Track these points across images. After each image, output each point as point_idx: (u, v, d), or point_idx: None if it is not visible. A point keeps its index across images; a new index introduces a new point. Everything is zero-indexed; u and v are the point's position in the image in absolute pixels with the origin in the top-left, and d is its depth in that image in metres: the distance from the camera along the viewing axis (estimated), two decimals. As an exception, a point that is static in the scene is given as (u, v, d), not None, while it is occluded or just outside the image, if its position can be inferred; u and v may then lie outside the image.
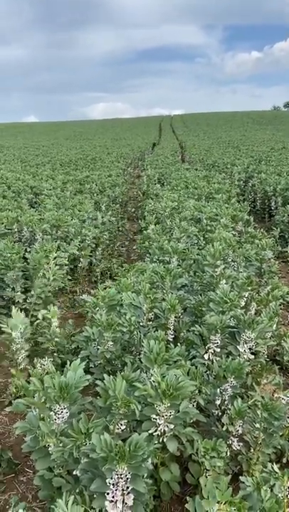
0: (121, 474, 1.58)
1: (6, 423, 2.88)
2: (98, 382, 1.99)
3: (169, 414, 2.00)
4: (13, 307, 3.26)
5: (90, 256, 5.32)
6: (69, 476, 1.85)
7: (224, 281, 3.44)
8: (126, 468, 1.58)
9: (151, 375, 2.18)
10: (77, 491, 1.78)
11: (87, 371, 2.51)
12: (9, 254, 3.92)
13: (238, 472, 2.29)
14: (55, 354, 3.29)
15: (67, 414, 1.86)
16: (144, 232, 5.99)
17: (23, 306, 3.88)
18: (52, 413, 1.85)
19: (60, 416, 1.84)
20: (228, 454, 2.22)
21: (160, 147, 26.91)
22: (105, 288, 3.46)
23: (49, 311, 3.41)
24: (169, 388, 1.95)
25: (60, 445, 1.77)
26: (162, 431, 2.02)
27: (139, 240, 5.82)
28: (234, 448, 2.24)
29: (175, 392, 1.95)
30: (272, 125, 54.93)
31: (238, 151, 20.07)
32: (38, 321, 3.36)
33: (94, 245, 5.43)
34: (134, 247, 6.92)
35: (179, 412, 2.01)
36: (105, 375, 2.02)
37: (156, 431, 2.03)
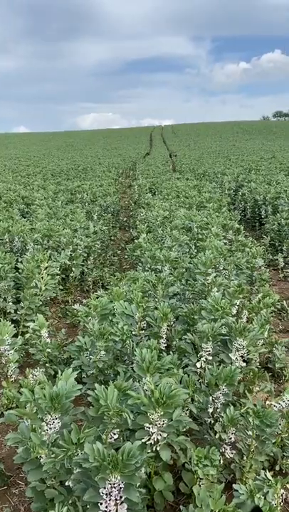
0: (114, 484, 1.58)
1: (-3, 435, 2.85)
2: (89, 392, 1.98)
3: (162, 422, 1.99)
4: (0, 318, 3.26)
5: (82, 265, 5.31)
6: (61, 487, 1.83)
7: (216, 289, 3.46)
8: (119, 478, 1.58)
9: (144, 383, 2.19)
10: (70, 502, 1.76)
11: (79, 381, 2.50)
12: (0, 265, 3.90)
13: (231, 480, 2.29)
14: (47, 365, 3.26)
15: (59, 424, 1.85)
16: (136, 240, 6.01)
17: (14, 317, 3.87)
18: (43, 424, 1.84)
19: (51, 426, 1.83)
20: (221, 462, 2.22)
21: (151, 157, 27.07)
22: (98, 297, 3.46)
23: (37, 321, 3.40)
24: (162, 397, 1.95)
25: (52, 456, 1.75)
26: (155, 439, 2.01)
27: (130, 249, 5.83)
28: (227, 456, 2.24)
29: (168, 400, 1.95)
30: (262, 135, 55.55)
31: (228, 161, 20.25)
32: (28, 333, 3.34)
33: (86, 254, 5.43)
34: (126, 256, 6.93)
35: (172, 420, 2.01)
36: (96, 385, 2.01)
37: (149, 439, 2.02)
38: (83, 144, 49.40)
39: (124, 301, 3.17)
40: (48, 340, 3.35)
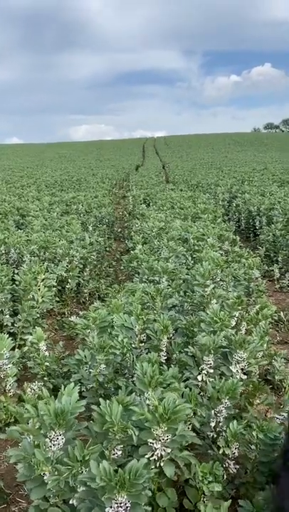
0: (121, 503, 1.55)
1: (-5, 451, 2.80)
2: (94, 406, 1.95)
3: (166, 438, 1.97)
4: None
5: (78, 277, 5.29)
6: (65, 505, 1.80)
7: (214, 300, 3.45)
8: (126, 497, 1.55)
9: (146, 398, 2.17)
10: (73, 520, 1.73)
11: (79, 395, 2.47)
12: (-3, 277, 3.87)
13: (234, 496, 2.26)
14: (45, 378, 3.23)
15: (63, 440, 1.82)
16: (132, 252, 6.01)
17: (11, 330, 3.83)
18: (47, 440, 1.81)
19: (55, 443, 1.80)
20: (225, 477, 2.20)
21: (144, 168, 27.22)
22: (96, 309, 3.44)
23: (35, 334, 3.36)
24: (166, 412, 1.92)
25: (56, 473, 1.72)
26: (159, 455, 1.99)
27: (126, 260, 5.82)
28: (230, 471, 2.22)
29: (172, 416, 1.93)
30: (253, 146, 56.10)
31: (220, 172, 20.41)
32: (26, 347, 3.31)
33: (82, 266, 5.41)
34: (122, 267, 6.92)
35: (175, 435, 1.99)
36: (101, 400, 1.99)
37: (152, 455, 2.00)
38: (76, 155, 49.54)
39: (124, 313, 3.15)
40: (47, 353, 3.32)
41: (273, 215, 7.55)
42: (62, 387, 2.04)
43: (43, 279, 4.30)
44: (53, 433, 1.80)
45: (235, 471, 2.20)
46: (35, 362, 3.21)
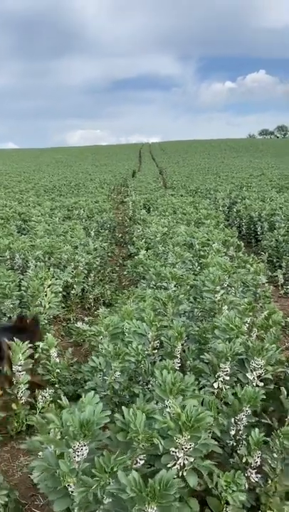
0: (151, 515, 1.52)
1: (9, 460, 2.75)
2: (117, 415, 1.92)
3: (188, 446, 1.94)
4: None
5: (83, 282, 5.26)
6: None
7: (226, 307, 3.43)
8: (156, 508, 1.52)
9: (166, 406, 2.14)
10: (99, 532, 1.69)
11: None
12: (5, 283, 3.84)
13: (255, 505, 2.23)
14: (56, 385, 3.19)
15: (87, 451, 1.79)
16: (136, 257, 5.99)
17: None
18: (70, 450, 1.78)
19: (79, 453, 1.77)
20: (246, 486, 2.17)
21: (142, 173, 27.24)
22: (106, 316, 3.42)
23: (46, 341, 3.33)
24: (189, 420, 1.90)
25: (82, 485, 1.69)
26: (182, 464, 1.96)
27: (131, 265, 5.80)
28: (252, 480, 2.19)
29: (196, 423, 1.90)
30: (249, 152, 56.41)
31: (217, 178, 20.47)
32: (38, 353, 3.26)
33: (86, 271, 5.38)
34: (125, 273, 6.89)
35: (198, 444, 1.96)
36: (124, 408, 1.96)
37: (174, 464, 1.97)
38: (72, 160, 49.55)
39: (136, 319, 3.12)
40: (57, 360, 3.28)
41: (275, 220, 7.56)
42: (84, 395, 2.01)
43: (50, 285, 4.27)
44: (77, 443, 1.77)
45: (256, 480, 2.17)
46: (47, 369, 3.17)
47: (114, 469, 1.66)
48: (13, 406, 2.92)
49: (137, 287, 5.70)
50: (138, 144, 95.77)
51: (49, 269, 4.71)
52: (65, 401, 2.10)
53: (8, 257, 5.03)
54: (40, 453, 2.16)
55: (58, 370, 3.23)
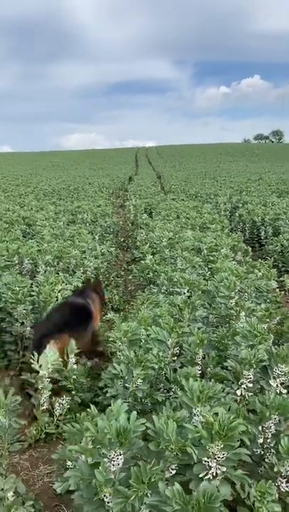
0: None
1: (29, 468, 2.71)
2: (148, 424, 1.90)
3: (221, 455, 1.92)
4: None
5: (91, 287, 5.22)
6: (126, 528, 1.73)
7: (243, 313, 3.42)
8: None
9: (194, 414, 2.12)
10: None
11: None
12: (18, 288, 3.80)
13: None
14: (73, 392, 3.15)
15: (122, 460, 1.76)
16: (142, 262, 5.97)
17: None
18: (106, 460, 1.75)
19: (115, 463, 1.74)
20: (277, 496, 2.14)
21: (140, 177, 27.25)
22: (122, 322, 3.40)
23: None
24: (222, 429, 1.88)
25: (119, 496, 1.66)
26: (214, 474, 1.93)
27: (138, 270, 5.77)
28: (282, 489, 2.17)
29: (229, 432, 1.88)
30: (245, 157, 56.66)
31: (215, 182, 20.52)
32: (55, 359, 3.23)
33: (94, 276, 5.35)
34: (130, 277, 6.87)
35: (230, 453, 1.94)
36: (154, 417, 1.94)
37: (206, 474, 1.94)
38: (69, 164, 49.51)
39: (154, 325, 3.10)
40: (75, 366, 3.25)
41: (280, 225, 7.57)
42: (113, 404, 1.99)
43: (60, 290, 4.23)
44: (113, 453, 1.74)
45: (287, 489, 2.15)
46: (64, 375, 3.14)
47: (152, 480, 1.64)
48: (35, 412, 2.88)
49: (144, 292, 5.69)
50: (134, 147, 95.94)
51: (58, 273, 4.69)
52: (94, 409, 2.08)
53: (16, 261, 4.99)
54: (68, 462, 2.14)
55: (75, 377, 3.20)
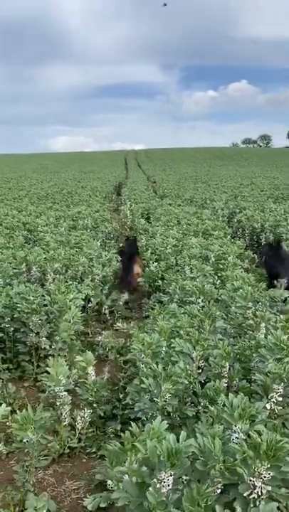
0: None
1: (54, 484, 2.66)
2: (192, 442, 1.87)
3: (267, 475, 1.90)
4: (50, 358, 3.10)
5: (99, 295, 5.18)
6: None
7: (263, 324, 3.41)
8: None
9: (234, 431, 2.11)
10: None
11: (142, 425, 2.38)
12: (32, 298, 3.75)
13: None
14: (94, 405, 3.11)
15: (171, 481, 1.74)
16: (147, 269, 5.94)
17: (49, 353, 3.70)
18: (155, 481, 1.72)
19: (165, 484, 1.71)
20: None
21: (131, 181, 27.22)
22: (141, 333, 3.37)
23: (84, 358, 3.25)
24: (270, 449, 1.86)
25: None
26: (259, 493, 1.92)
27: (145, 276, 5.73)
28: None
29: (277, 452, 1.86)
30: (234, 161, 57.01)
31: (208, 187, 20.59)
32: (74, 371, 3.19)
33: (102, 284, 5.31)
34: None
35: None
36: (198, 435, 1.92)
37: (251, 493, 1.92)
38: (58, 167, 49.27)
39: (176, 337, 3.07)
40: (94, 378, 3.21)
41: (281, 232, 7.61)
42: (154, 422, 1.96)
43: (72, 299, 4.19)
44: (164, 474, 1.71)
45: None
46: (86, 388, 3.10)
47: (209, 503, 1.61)
48: (57, 427, 2.84)
49: (149, 299, 5.66)
50: (122, 150, 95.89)
51: (67, 282, 4.64)
52: (135, 427, 2.04)
53: (24, 269, 4.93)
54: (109, 482, 2.11)
55: (96, 389, 3.15)
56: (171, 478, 1.73)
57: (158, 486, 1.73)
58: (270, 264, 5.20)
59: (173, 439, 1.78)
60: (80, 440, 2.97)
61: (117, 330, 4.96)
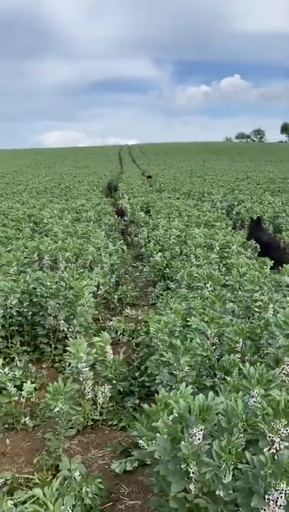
0: (282, 490, 1.68)
1: (81, 452, 2.85)
2: (221, 399, 2.07)
3: (285, 431, 2.10)
4: (70, 339, 3.29)
5: (108, 283, 5.37)
6: (208, 496, 1.90)
7: (271, 305, 3.62)
8: (286, 485, 1.68)
9: (252, 396, 2.31)
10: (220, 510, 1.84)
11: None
12: (49, 283, 3.93)
13: None
14: (114, 381, 3.30)
15: (201, 435, 1.93)
16: (151, 259, 6.14)
17: (66, 335, 3.89)
18: (187, 435, 1.92)
19: (196, 438, 1.91)
20: None
21: (127, 176, 27.35)
22: (157, 314, 3.57)
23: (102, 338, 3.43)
24: (287, 406, 2.06)
25: (204, 466, 1.83)
26: (277, 448, 2.12)
27: (150, 266, 5.93)
28: None
29: (293, 410, 2.06)
30: (228, 156, 57.31)
31: (204, 181, 20.81)
32: (94, 350, 3.38)
33: (110, 272, 5.50)
34: (138, 274, 7.03)
35: (290, 429, 2.13)
36: (222, 397, 2.11)
37: (270, 449, 2.13)
38: (52, 162, 49.28)
39: (191, 317, 3.27)
40: (112, 356, 3.39)
41: (280, 223, 7.83)
42: (183, 386, 2.16)
43: (85, 286, 4.37)
44: (195, 428, 1.91)
45: None
46: (105, 365, 3.28)
47: (238, 450, 1.81)
48: (81, 401, 3.03)
49: (155, 288, 5.86)
50: (117, 145, 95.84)
51: (77, 270, 4.82)
52: (164, 392, 2.24)
53: (36, 258, 5.10)
54: (141, 441, 2.30)
55: (115, 367, 3.34)
56: (201, 432, 1.93)
57: (192, 439, 1.92)
58: (251, 232, 7.13)
59: (202, 397, 1.98)
60: (101, 413, 3.17)
61: (126, 316, 5.16)
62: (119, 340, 4.50)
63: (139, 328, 4.48)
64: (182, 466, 1.87)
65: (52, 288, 3.87)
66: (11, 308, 3.88)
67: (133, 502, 2.43)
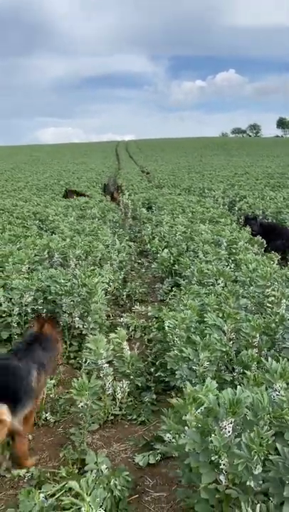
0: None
1: (103, 446, 2.91)
2: (246, 396, 2.12)
3: (309, 423, 2.16)
4: (90, 335, 3.34)
5: (118, 280, 5.41)
6: (238, 487, 1.96)
7: (284, 300, 3.68)
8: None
9: (275, 389, 2.37)
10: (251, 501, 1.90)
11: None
12: (63, 280, 3.97)
13: None
14: (131, 377, 3.35)
15: (231, 429, 1.99)
16: (158, 255, 6.18)
17: (82, 332, 3.93)
18: (217, 428, 1.97)
19: (226, 430, 1.97)
20: None
21: (125, 172, 27.31)
22: (171, 311, 3.62)
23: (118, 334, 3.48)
24: (311, 399, 2.12)
25: (235, 458, 1.88)
26: (301, 440, 2.18)
27: (158, 262, 5.97)
28: None
29: (317, 402, 2.12)
30: (225, 151, 57.24)
31: (202, 176, 20.80)
32: (111, 346, 3.43)
33: (119, 269, 5.54)
34: (144, 270, 7.07)
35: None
36: (247, 391, 2.17)
37: (294, 440, 2.19)
38: (49, 158, 49.12)
39: (207, 312, 3.33)
40: (129, 352, 3.45)
41: (284, 219, 7.89)
42: (209, 380, 2.22)
43: (97, 283, 4.41)
44: (225, 422, 1.96)
45: None
46: (123, 361, 3.34)
47: (269, 442, 1.87)
48: (102, 396, 3.08)
49: (163, 284, 5.91)
50: (113, 141, 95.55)
51: (88, 267, 4.86)
52: (190, 387, 2.29)
53: (46, 255, 5.14)
54: (168, 435, 2.35)
55: (132, 363, 3.40)
56: (231, 425, 1.99)
57: (222, 432, 1.98)
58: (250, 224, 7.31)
59: (231, 391, 2.03)
60: (120, 408, 3.22)
61: (134, 312, 5.20)
62: (131, 336, 4.54)
63: (150, 324, 4.53)
64: (213, 458, 1.94)
65: (66, 285, 3.91)
66: (26, 305, 3.92)
67: (158, 494, 2.49)
